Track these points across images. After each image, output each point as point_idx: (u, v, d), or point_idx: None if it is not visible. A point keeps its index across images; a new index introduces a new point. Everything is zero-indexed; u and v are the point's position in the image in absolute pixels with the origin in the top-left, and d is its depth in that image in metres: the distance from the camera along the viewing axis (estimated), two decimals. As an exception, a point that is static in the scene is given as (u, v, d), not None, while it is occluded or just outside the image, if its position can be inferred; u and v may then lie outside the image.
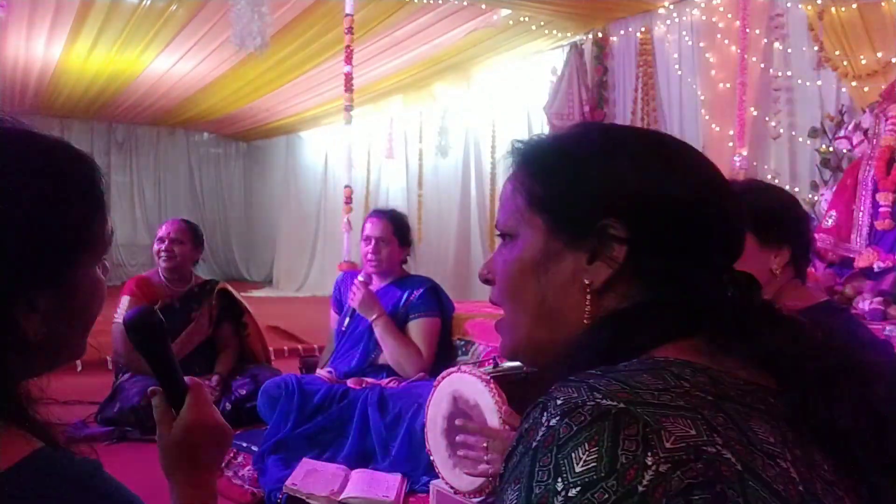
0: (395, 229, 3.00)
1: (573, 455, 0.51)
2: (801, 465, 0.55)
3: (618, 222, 0.65)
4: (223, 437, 0.95)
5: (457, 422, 1.82)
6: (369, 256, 2.97)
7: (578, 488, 0.50)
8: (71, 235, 0.71)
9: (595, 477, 0.50)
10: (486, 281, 0.77)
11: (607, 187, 0.67)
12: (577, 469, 0.50)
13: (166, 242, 3.54)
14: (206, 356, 3.62)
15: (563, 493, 0.50)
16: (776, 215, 1.47)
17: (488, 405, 1.75)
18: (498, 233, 0.75)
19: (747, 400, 0.58)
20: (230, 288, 3.86)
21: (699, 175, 0.68)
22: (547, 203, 0.70)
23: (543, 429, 0.54)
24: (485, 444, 1.62)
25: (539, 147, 0.74)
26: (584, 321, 0.67)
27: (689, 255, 0.66)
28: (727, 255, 0.68)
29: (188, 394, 0.93)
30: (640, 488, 0.49)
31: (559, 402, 0.55)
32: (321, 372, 3.07)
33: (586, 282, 0.67)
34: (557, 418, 0.53)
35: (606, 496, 0.49)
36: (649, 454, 0.50)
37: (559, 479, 0.51)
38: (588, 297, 0.67)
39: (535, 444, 0.54)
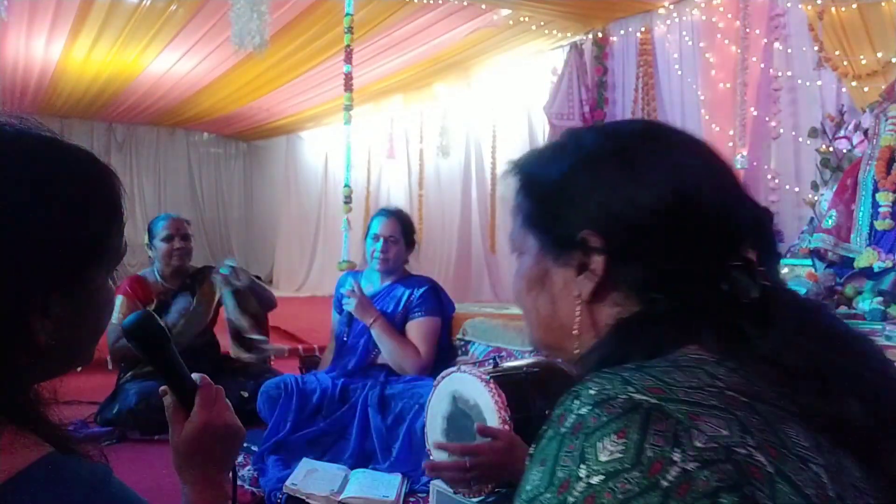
0: (404, 229, 3.03)
1: (599, 444, 0.51)
2: (833, 470, 0.54)
3: (594, 234, 0.66)
4: (234, 437, 0.95)
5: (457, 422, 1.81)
6: (378, 255, 2.97)
7: (602, 476, 0.50)
8: (88, 244, 0.72)
9: (619, 467, 0.50)
10: None
11: (581, 201, 0.68)
12: (602, 458, 0.51)
13: (177, 240, 3.45)
14: (210, 346, 3.62)
15: (585, 480, 0.51)
16: None
17: (488, 405, 1.75)
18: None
19: (782, 402, 0.57)
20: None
21: (677, 177, 0.66)
22: (534, 220, 0.72)
23: (573, 416, 0.54)
24: (466, 462, 1.58)
25: (528, 162, 0.76)
26: (574, 332, 0.69)
27: (673, 259, 0.65)
28: (722, 252, 0.66)
29: (197, 394, 0.92)
30: (665, 483, 0.49)
31: (591, 391, 0.55)
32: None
33: (575, 293, 0.69)
34: (589, 407, 0.54)
35: (629, 486, 0.49)
36: (677, 450, 0.50)
37: (583, 466, 0.51)
38: (578, 308, 0.69)
39: (563, 429, 0.54)
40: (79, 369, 0.78)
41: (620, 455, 0.50)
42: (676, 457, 0.50)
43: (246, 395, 3.33)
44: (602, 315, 0.68)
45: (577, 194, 0.68)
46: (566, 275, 0.69)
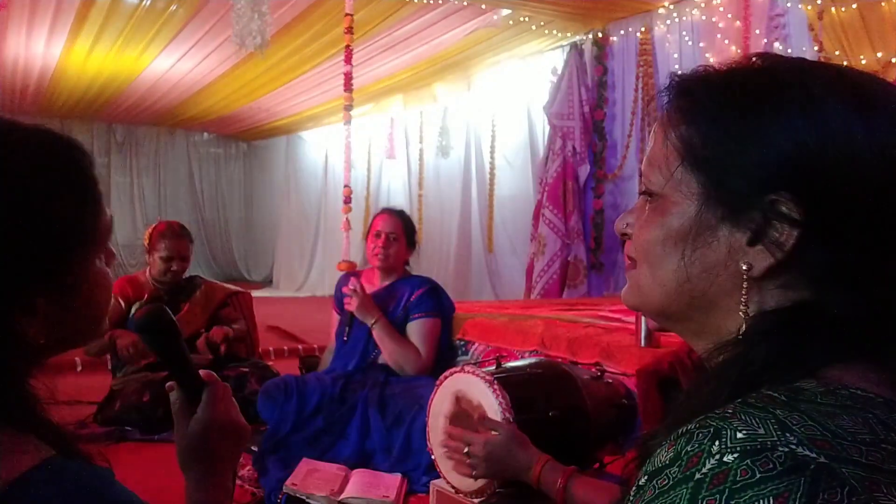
0: (405, 228, 3.04)
1: None
2: None
3: (793, 200, 0.52)
4: (240, 436, 0.93)
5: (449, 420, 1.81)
6: (377, 251, 2.97)
7: None
8: (62, 233, 0.67)
9: None
10: (623, 235, 0.66)
11: (787, 151, 0.52)
12: None
13: (175, 262, 3.46)
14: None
15: None
16: None
17: (491, 406, 1.75)
18: (642, 190, 0.63)
19: None
20: (215, 282, 3.97)
21: None
22: (706, 161, 0.57)
23: (713, 462, 0.44)
24: (466, 450, 1.61)
25: (705, 84, 0.59)
26: (741, 313, 0.56)
27: (882, 246, 0.52)
28: None
29: (204, 391, 0.91)
30: None
31: (740, 435, 0.45)
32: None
33: (744, 267, 0.55)
34: (736, 456, 0.44)
35: None
36: None
37: None
38: (745, 285, 0.56)
39: (698, 475, 0.44)
40: (79, 369, 0.77)
41: None
42: None
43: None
44: (771, 299, 0.55)
45: (780, 140, 0.52)
46: (734, 240, 0.55)
